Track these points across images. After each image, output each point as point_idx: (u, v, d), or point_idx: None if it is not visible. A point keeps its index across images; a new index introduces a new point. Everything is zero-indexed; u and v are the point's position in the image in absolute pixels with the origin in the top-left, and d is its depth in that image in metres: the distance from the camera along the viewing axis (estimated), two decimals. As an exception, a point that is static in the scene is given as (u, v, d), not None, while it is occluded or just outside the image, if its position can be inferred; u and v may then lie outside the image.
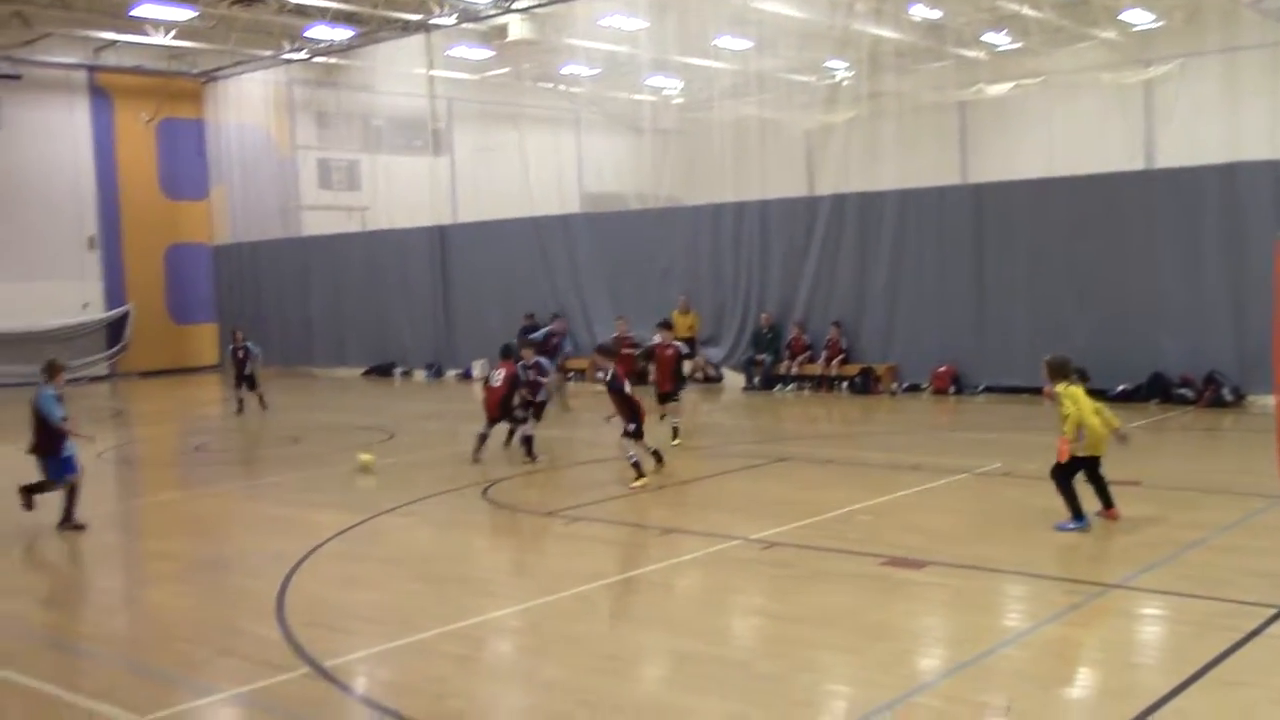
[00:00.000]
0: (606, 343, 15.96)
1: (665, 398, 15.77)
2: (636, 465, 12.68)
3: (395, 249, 29.14)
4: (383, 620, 8.30)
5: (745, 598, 8.75)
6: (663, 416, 15.53)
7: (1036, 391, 19.15)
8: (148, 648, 8.13)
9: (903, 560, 9.14)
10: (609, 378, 12.84)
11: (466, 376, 27.19)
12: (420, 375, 28.34)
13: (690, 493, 12.75)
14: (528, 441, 14.65)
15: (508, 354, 15.19)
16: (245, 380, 21.84)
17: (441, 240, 28.45)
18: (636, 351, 18.39)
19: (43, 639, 8.26)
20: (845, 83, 27.30)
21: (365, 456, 12.50)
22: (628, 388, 12.84)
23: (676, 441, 15.13)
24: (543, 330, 22.11)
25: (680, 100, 33.24)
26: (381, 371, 29.05)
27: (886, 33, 24.88)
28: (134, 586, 10.33)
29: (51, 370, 11.78)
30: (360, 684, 7.00)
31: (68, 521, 11.48)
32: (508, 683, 7.07)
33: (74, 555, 10.94)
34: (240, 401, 21.83)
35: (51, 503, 11.55)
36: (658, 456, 13.27)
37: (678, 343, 16.52)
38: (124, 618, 9.13)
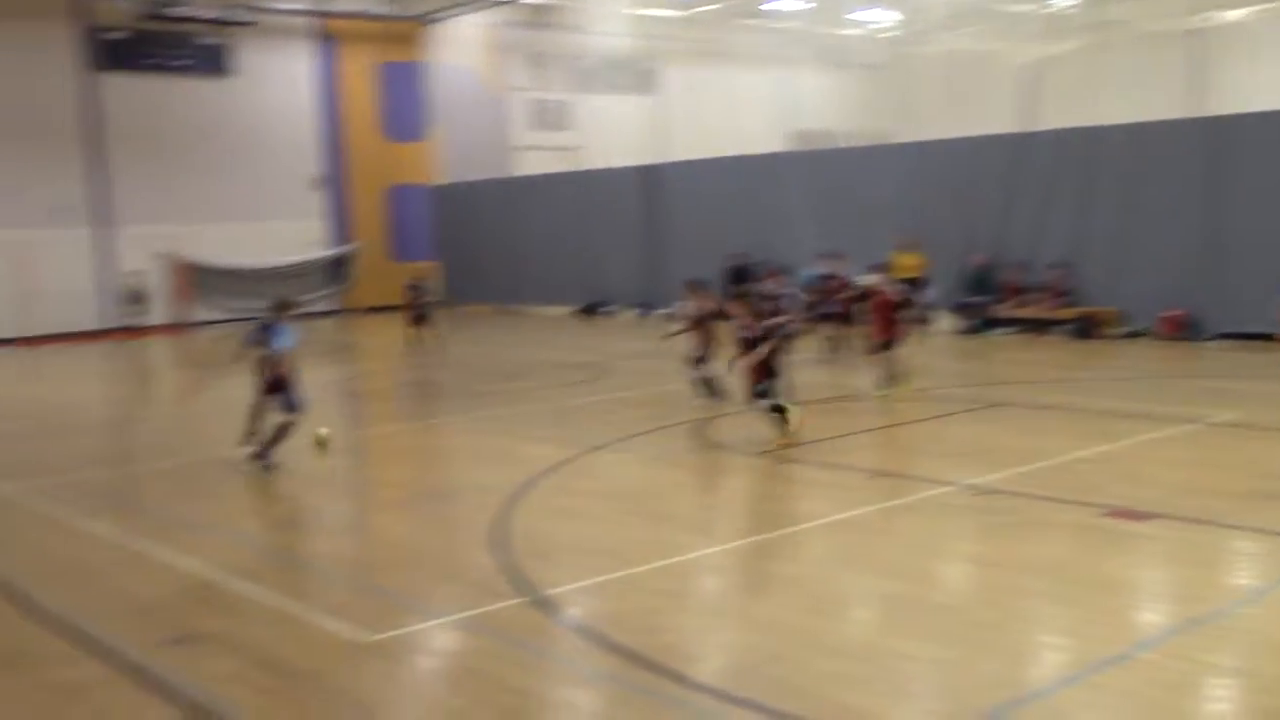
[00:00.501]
0: (745, 289, 14.41)
1: (881, 346, 14.69)
2: (781, 413, 11.76)
3: (605, 188, 29.46)
4: (597, 553, 8.49)
5: (960, 544, 8.58)
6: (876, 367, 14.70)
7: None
8: (377, 570, 8.56)
9: (1126, 511, 8.78)
10: (746, 327, 11.98)
11: (673, 316, 27.35)
12: (629, 314, 28.69)
13: (903, 437, 12.55)
14: (708, 382, 14.41)
15: (699, 287, 15.03)
16: (419, 317, 22.20)
17: (651, 179, 28.59)
18: (851, 293, 17.76)
19: (279, 558, 8.78)
20: (1067, 12, 26.01)
21: (322, 431, 12.24)
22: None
23: (884, 392, 14.49)
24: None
25: (892, 34, 32.36)
26: (591, 310, 29.52)
27: (1116, -43, 23.61)
28: (361, 512, 10.87)
29: (282, 306, 12.07)
30: (575, 614, 7.20)
31: (263, 456, 11.61)
32: (719, 619, 7.15)
33: (305, 481, 11.55)
34: (412, 339, 22.18)
35: (301, 436, 12.02)
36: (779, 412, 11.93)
37: (896, 286, 15.52)
38: (352, 541, 9.62)
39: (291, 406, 11.61)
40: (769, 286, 19.32)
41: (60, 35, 28.93)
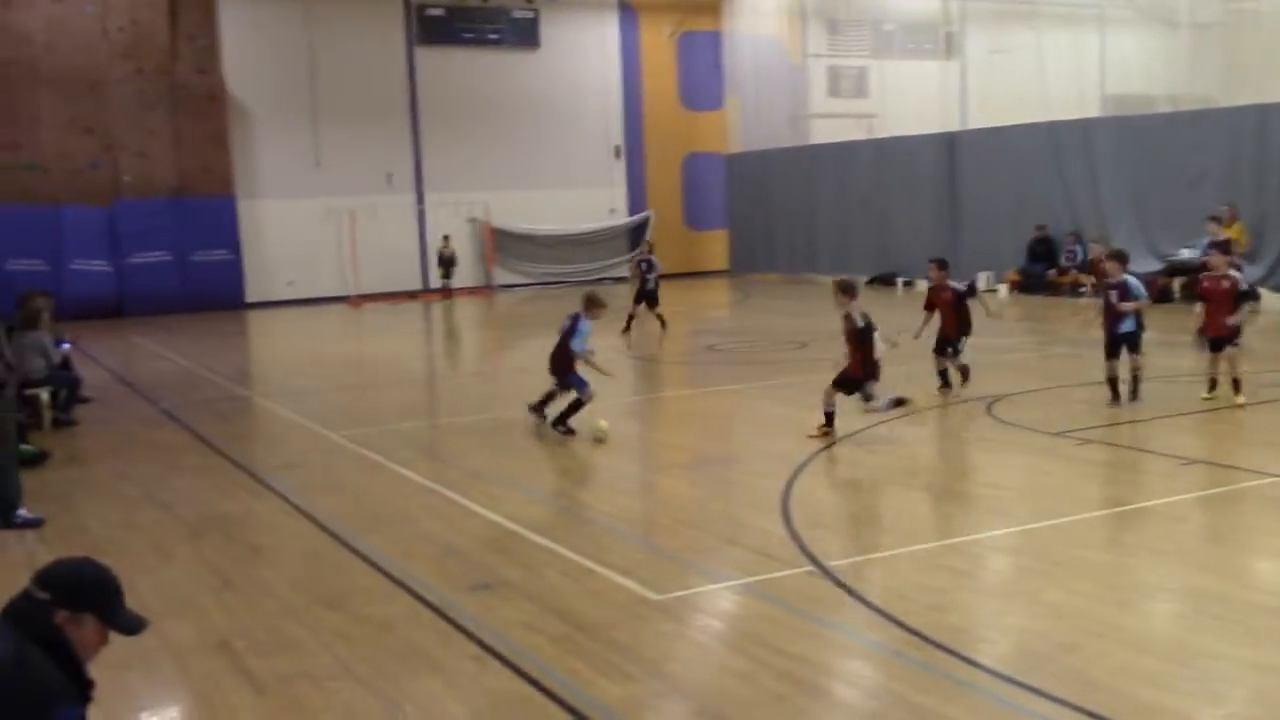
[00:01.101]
0: (849, 280, 11.57)
1: (1215, 344, 12.16)
2: (899, 400, 11.37)
3: (902, 156, 28.79)
4: (884, 527, 8.38)
5: (1274, 538, 7.94)
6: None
7: None
8: (663, 531, 8.76)
9: None
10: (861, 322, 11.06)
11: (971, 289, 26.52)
12: (922, 285, 28.00)
13: (1216, 423, 11.70)
14: (964, 370, 13.52)
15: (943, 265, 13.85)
16: (646, 296, 20.62)
17: (951, 147, 27.73)
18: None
19: (573, 515, 9.12)
20: None
21: (602, 425, 11.77)
22: (880, 344, 11.10)
23: (1241, 399, 11.88)
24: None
25: (1224, -11, 30.00)
26: (885, 280, 28.99)
27: None
28: (649, 473, 11.13)
29: (591, 304, 12.17)
30: (860, 587, 7.12)
31: (562, 423, 11.88)
32: (1010, 603, 6.91)
33: (596, 442, 11.91)
34: (631, 319, 20.37)
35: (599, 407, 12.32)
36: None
37: (1236, 270, 12.83)
38: (642, 501, 9.88)
39: (581, 386, 12.03)
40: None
41: (393, 13, 30.86)
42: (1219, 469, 9.66)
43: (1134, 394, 12.24)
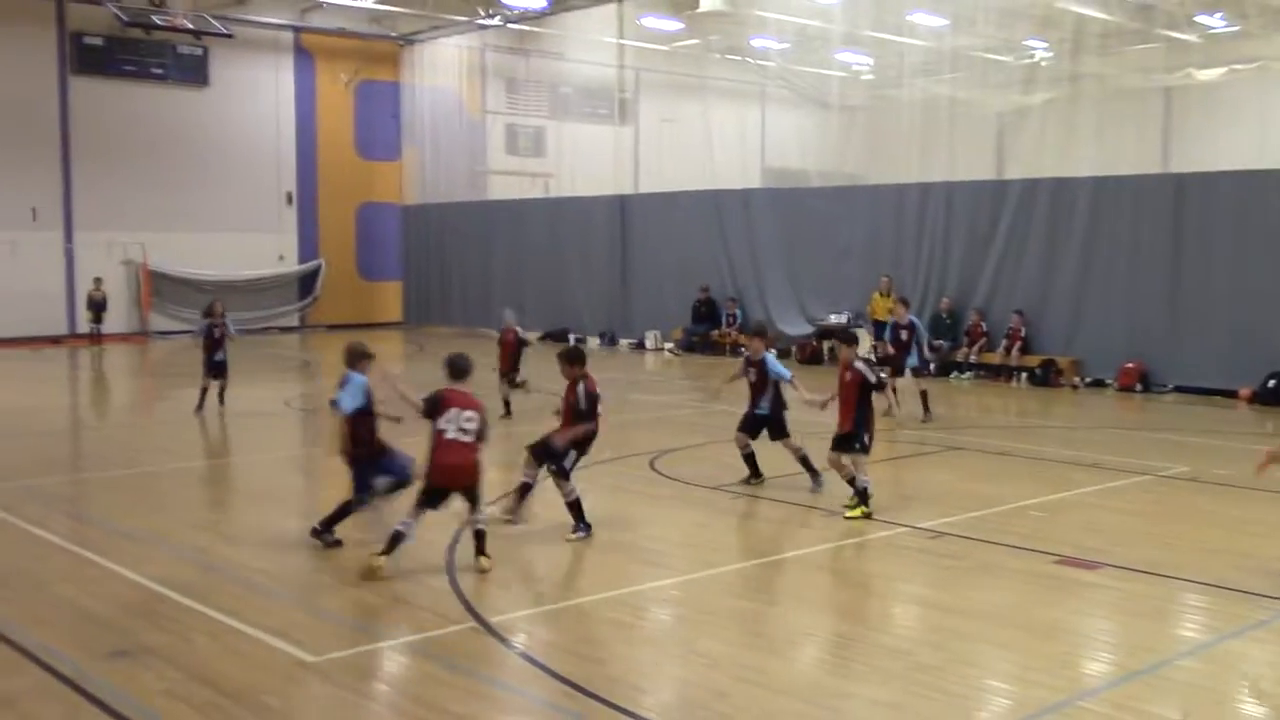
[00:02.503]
0: (847, 329, 11.27)
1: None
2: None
3: (577, 216, 29.52)
4: (546, 581, 8.47)
5: (908, 586, 8.60)
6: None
7: (1231, 395, 18.45)
8: (324, 590, 8.47)
9: (1076, 560, 8.84)
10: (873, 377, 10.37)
11: (640, 346, 27.41)
12: (594, 342, 28.68)
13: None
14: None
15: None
16: (215, 367, 16.87)
17: (622, 209, 28.68)
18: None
19: (224, 573, 8.68)
20: (1044, 63, 26.34)
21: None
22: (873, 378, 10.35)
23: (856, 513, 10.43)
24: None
25: (870, 77, 32.65)
26: (557, 337, 29.40)
27: (1092, 12, 23.91)
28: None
29: (356, 357, 9.58)
30: (521, 641, 7.15)
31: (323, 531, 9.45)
32: (666, 652, 7.12)
33: (257, 496, 11.43)
34: (204, 393, 16.85)
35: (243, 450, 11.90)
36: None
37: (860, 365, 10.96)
38: (304, 560, 9.52)
39: (361, 485, 9.32)
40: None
41: (45, 37, 28.81)
42: (857, 520, 10.32)
43: (813, 474, 11.31)
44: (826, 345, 23.41)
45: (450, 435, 8.40)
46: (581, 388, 9.63)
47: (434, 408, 8.49)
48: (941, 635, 7.34)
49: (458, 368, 8.90)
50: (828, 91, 29.25)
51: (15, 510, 10.50)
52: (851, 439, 10.32)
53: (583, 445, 9.71)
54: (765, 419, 11.50)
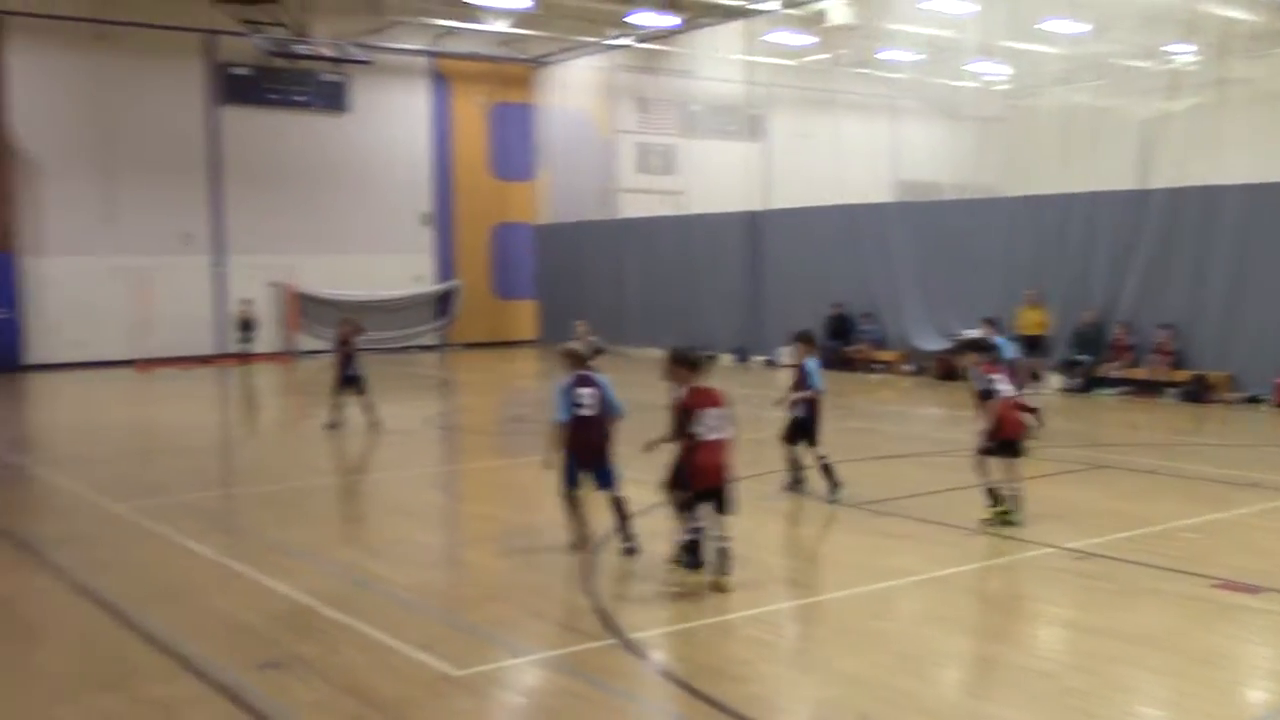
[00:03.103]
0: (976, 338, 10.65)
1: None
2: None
3: (708, 233, 29.54)
4: (685, 598, 8.44)
5: (1056, 608, 8.36)
6: None
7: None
8: (466, 604, 8.61)
9: (1235, 584, 8.48)
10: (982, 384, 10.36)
11: (772, 363, 27.28)
12: (727, 359, 28.63)
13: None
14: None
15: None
16: (352, 382, 17.13)
17: (753, 226, 28.61)
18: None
19: (371, 587, 8.88)
20: (1189, 68, 25.50)
21: None
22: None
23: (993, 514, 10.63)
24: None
25: (1005, 87, 32.02)
26: (688, 353, 29.49)
27: (1239, 14, 23.08)
28: (453, 546, 10.96)
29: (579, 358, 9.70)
30: (661, 658, 7.15)
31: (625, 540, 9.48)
32: (808, 673, 7.05)
33: (400, 512, 11.67)
34: (337, 409, 17.11)
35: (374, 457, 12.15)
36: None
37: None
38: (445, 574, 9.70)
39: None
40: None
41: (195, 70, 30.05)
42: (1002, 539, 10.09)
43: (832, 484, 11.50)
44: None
45: (708, 436, 8.30)
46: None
47: (686, 414, 8.30)
48: (1091, 659, 7.11)
49: (692, 360, 8.66)
50: (961, 103, 28.79)
51: (173, 524, 10.91)
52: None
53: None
54: (801, 422, 11.68)
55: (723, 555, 8.37)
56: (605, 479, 9.42)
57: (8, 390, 24.24)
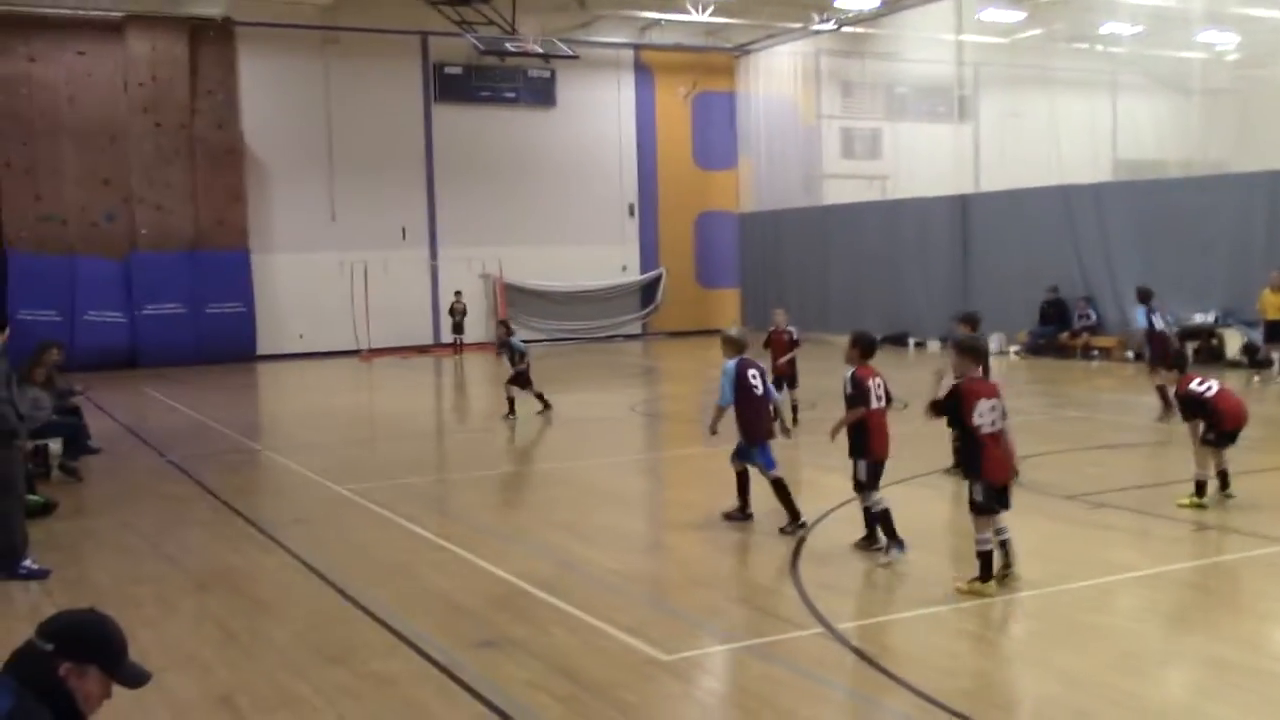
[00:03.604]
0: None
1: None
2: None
3: (915, 217, 28.90)
4: (894, 589, 8.30)
5: (1294, 608, 7.85)
6: None
7: None
8: (672, 590, 8.68)
9: None
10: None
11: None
12: (934, 346, 27.97)
13: (1234, 488, 11.58)
14: None
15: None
16: (519, 378, 17.28)
17: (963, 209, 27.83)
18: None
19: (579, 571, 9.04)
20: None
21: None
22: None
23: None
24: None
25: (1235, 56, 30.22)
26: (895, 340, 28.94)
27: None
28: (659, 531, 11.06)
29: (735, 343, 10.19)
30: (870, 649, 7.04)
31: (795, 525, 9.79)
32: (1022, 668, 6.83)
33: (606, 497, 11.85)
34: (511, 402, 17.34)
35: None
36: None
37: None
38: (651, 560, 9.80)
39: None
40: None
41: (412, 70, 31.23)
42: (1235, 535, 9.55)
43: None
44: (1190, 346, 21.84)
45: (986, 430, 7.93)
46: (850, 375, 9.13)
47: (958, 403, 7.99)
48: (1337, 664, 6.65)
49: (868, 342, 9.23)
50: (1188, 75, 27.32)
51: (392, 507, 11.37)
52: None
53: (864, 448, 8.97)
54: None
55: (1004, 547, 8.08)
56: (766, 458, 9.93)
57: (242, 379, 25.73)
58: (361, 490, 12.24)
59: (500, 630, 7.49)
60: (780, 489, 9.82)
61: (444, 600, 8.27)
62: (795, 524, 9.71)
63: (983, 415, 7.90)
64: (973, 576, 7.91)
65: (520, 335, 18.80)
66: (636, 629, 7.40)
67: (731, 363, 9.98)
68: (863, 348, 9.30)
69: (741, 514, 10.21)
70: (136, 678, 3.68)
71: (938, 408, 8.23)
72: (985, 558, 7.88)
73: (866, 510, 9.09)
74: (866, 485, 9.00)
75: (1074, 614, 7.63)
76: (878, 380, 9.09)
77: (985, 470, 7.90)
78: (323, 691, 6.52)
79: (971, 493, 7.98)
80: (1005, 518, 8.08)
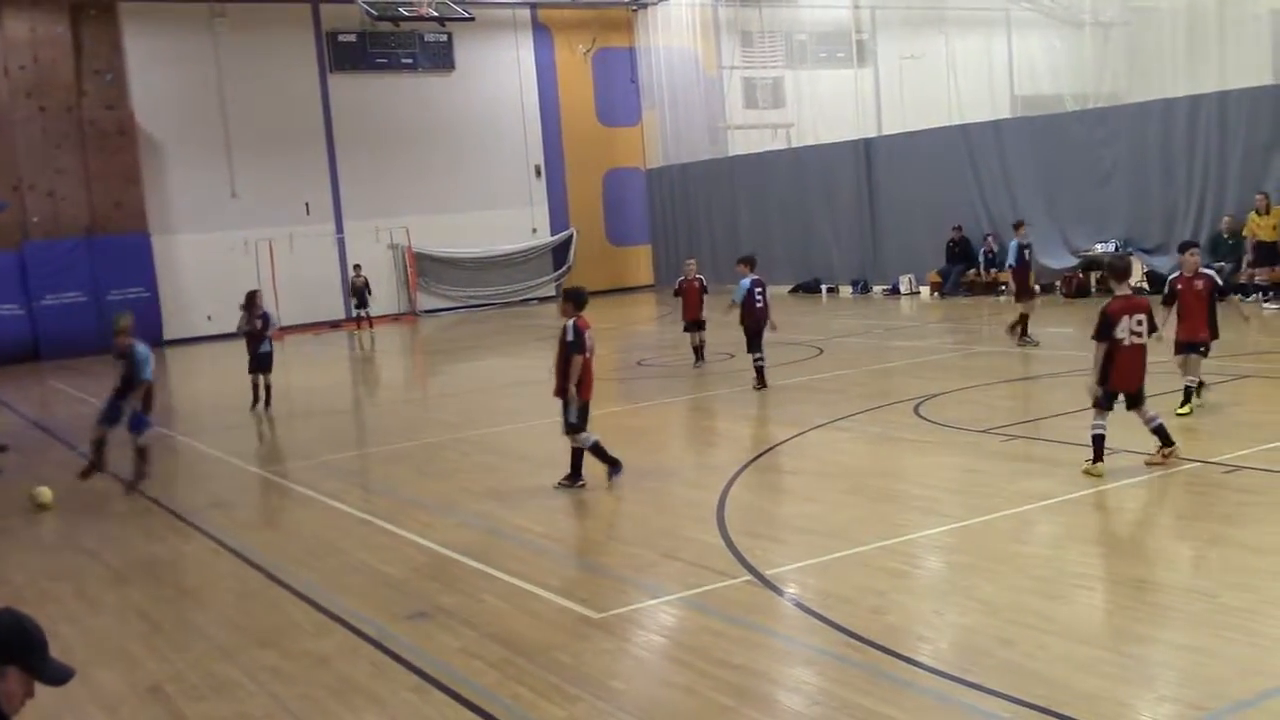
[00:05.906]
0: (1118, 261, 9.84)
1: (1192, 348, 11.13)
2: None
3: (820, 164, 29.08)
4: (818, 532, 8.41)
5: (1204, 524, 8.09)
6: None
7: None
8: (600, 549, 8.72)
9: (1396, 490, 8.13)
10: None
11: (894, 292, 26.86)
12: (846, 291, 28.28)
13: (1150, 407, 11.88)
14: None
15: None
16: (260, 361, 16.48)
17: (867, 153, 28.06)
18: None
19: (511, 536, 9.03)
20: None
21: (44, 495, 11.03)
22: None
23: (1186, 409, 11.01)
24: None
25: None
26: (808, 288, 29.24)
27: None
28: (584, 492, 11.05)
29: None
30: (797, 592, 7.15)
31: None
32: (946, 601, 6.97)
33: (528, 459, 11.84)
34: (256, 389, 16.69)
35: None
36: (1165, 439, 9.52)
37: (1209, 271, 11.60)
38: (578, 521, 9.82)
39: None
40: None
41: (304, 40, 30.55)
42: (1141, 457, 9.80)
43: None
44: (1094, 277, 22.35)
45: (1127, 342, 9.00)
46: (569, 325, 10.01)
47: (1108, 324, 9.02)
48: (1247, 575, 6.87)
49: (581, 296, 10.31)
50: (1080, 9, 27.71)
51: (314, 486, 11.25)
52: (1205, 344, 11.06)
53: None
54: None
55: (1160, 431, 9.24)
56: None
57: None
58: (281, 470, 12.10)
59: (431, 600, 7.46)
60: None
61: (373, 575, 8.22)
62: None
63: (1125, 329, 8.99)
64: (1088, 458, 9.11)
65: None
66: (567, 590, 7.43)
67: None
68: (576, 301, 10.31)
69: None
70: (59, 675, 3.60)
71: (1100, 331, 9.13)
72: (1098, 441, 9.09)
73: (578, 450, 10.04)
74: (578, 426, 9.96)
75: (995, 544, 7.81)
76: (591, 332, 10.07)
77: (1114, 379, 9.07)
78: (254, 675, 6.46)
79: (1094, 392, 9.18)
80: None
